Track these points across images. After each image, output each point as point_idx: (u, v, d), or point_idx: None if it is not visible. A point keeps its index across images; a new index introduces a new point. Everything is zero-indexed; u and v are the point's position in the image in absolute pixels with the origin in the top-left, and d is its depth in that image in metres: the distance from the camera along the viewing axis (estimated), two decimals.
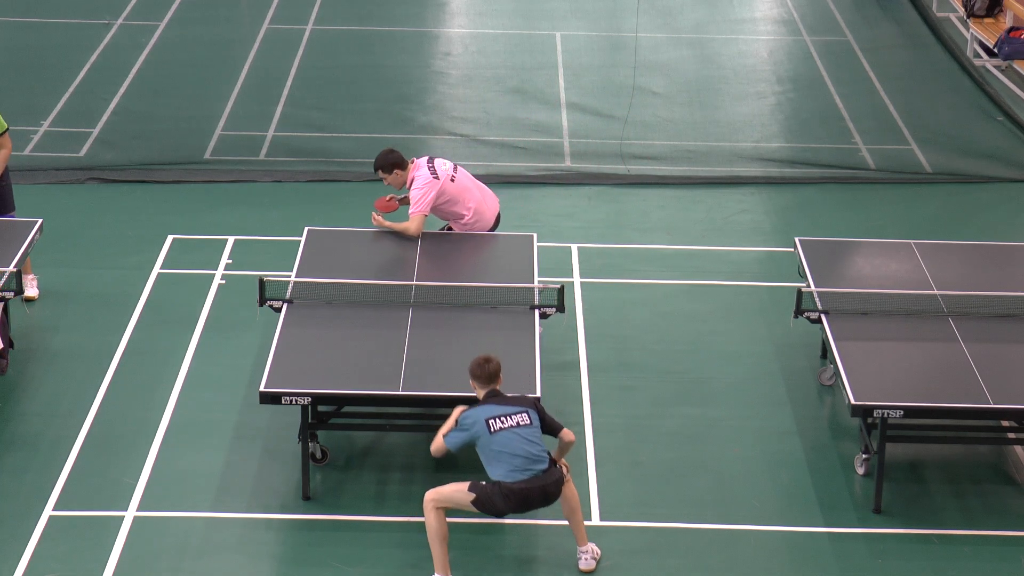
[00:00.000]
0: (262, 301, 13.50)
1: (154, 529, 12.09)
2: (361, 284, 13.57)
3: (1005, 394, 12.33)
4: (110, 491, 12.50)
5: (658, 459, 13.14)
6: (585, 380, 14.25)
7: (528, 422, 11.37)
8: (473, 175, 15.11)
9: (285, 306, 13.36)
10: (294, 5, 25.14)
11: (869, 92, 21.89)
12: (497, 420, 11.31)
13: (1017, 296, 13.69)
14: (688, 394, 14.11)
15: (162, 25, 24.03)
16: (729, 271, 16.52)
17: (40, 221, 14.86)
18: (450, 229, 14.85)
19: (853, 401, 12.11)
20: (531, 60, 23.05)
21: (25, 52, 22.86)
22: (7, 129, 15.13)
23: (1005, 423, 13.18)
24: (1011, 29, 22.92)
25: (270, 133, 20.08)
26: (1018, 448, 13.28)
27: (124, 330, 14.94)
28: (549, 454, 11.45)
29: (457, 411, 11.57)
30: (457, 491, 11.38)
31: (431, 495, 11.35)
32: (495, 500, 11.32)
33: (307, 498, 12.41)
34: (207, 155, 19.37)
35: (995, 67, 23.17)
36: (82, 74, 21.91)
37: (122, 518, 12.18)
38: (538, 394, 12.01)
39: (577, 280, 16.13)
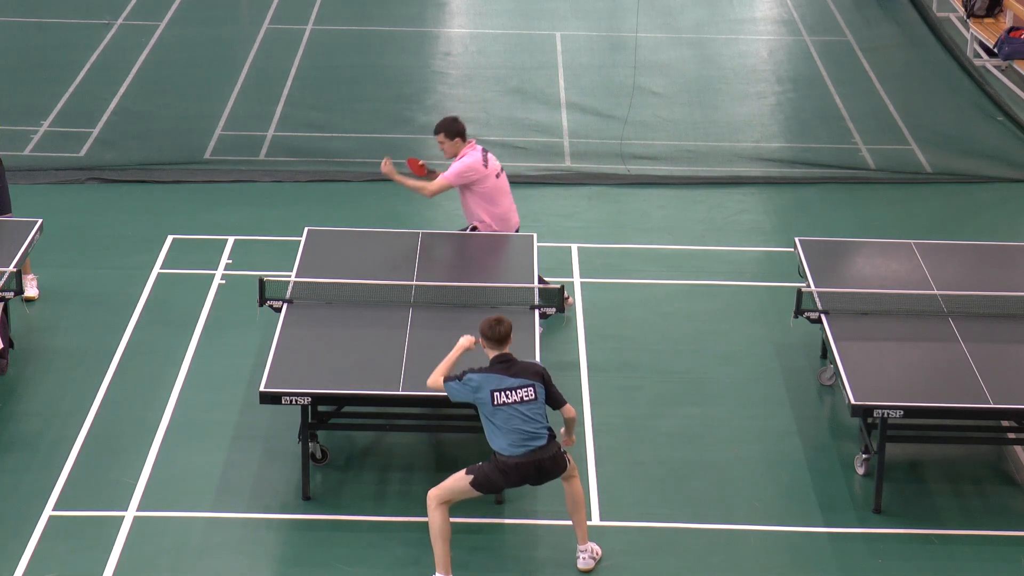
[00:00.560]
0: (262, 301, 13.50)
1: (154, 529, 12.09)
2: (361, 284, 13.56)
3: (1005, 394, 12.33)
4: (110, 491, 12.50)
5: (658, 459, 13.13)
6: (585, 380, 14.25)
7: (532, 397, 11.39)
8: None
9: (285, 306, 13.36)
10: (294, 5, 25.15)
11: (869, 92, 21.89)
12: (502, 394, 11.33)
13: (1017, 296, 13.69)
14: (688, 394, 14.11)
15: (162, 25, 24.03)
16: (729, 271, 16.52)
17: (40, 221, 14.86)
18: (475, 229, 14.83)
19: (853, 401, 12.11)
20: (531, 60, 23.05)
21: (25, 52, 22.87)
22: None
23: (1005, 423, 13.18)
24: (1011, 29, 22.92)
25: (270, 133, 20.08)
26: (1018, 448, 13.28)
27: (124, 330, 14.94)
28: (550, 429, 11.47)
29: (462, 342, 11.67)
30: (455, 480, 11.40)
31: (433, 492, 11.37)
32: (493, 477, 11.35)
33: (307, 498, 12.41)
34: (207, 155, 19.37)
35: (995, 67, 23.17)
36: (82, 74, 21.91)
37: (122, 518, 12.18)
38: None
39: (577, 280, 16.13)
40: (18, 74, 21.92)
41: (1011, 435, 13.15)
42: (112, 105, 20.78)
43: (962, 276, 14.18)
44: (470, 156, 14.65)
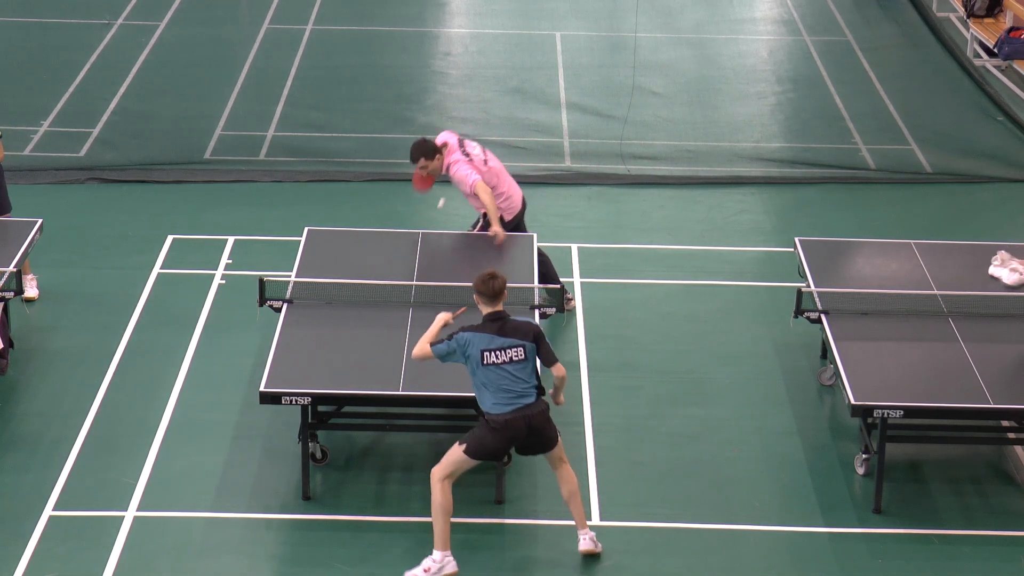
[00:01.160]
0: (262, 301, 13.50)
1: (154, 529, 12.09)
2: (361, 284, 13.56)
3: (1005, 394, 12.33)
4: (110, 491, 12.50)
5: (658, 459, 13.14)
6: (585, 380, 14.25)
7: (522, 357, 11.37)
8: None
9: (285, 306, 13.36)
10: (294, 5, 25.14)
11: (869, 92, 21.89)
12: (491, 354, 11.31)
13: (1017, 296, 13.69)
14: (688, 394, 14.11)
15: (162, 25, 24.03)
16: (729, 271, 16.52)
17: (40, 221, 14.85)
18: (484, 217, 14.75)
19: (853, 401, 12.11)
20: (531, 60, 23.05)
21: (25, 52, 22.86)
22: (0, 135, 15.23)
23: (1005, 423, 13.18)
24: (1011, 29, 22.92)
25: (270, 133, 20.08)
26: (1018, 448, 13.28)
27: (124, 330, 14.94)
28: (540, 388, 11.45)
29: (440, 318, 11.59)
30: (451, 453, 11.41)
31: (435, 469, 11.39)
32: (485, 441, 11.35)
33: (307, 498, 12.41)
34: (207, 155, 19.37)
35: (995, 67, 23.17)
36: (82, 74, 21.91)
37: (122, 518, 12.18)
38: None
39: (577, 280, 16.13)
40: (18, 74, 21.92)
41: (1011, 435, 13.14)
42: (112, 105, 20.78)
43: (962, 276, 14.18)
44: (456, 165, 14.59)
